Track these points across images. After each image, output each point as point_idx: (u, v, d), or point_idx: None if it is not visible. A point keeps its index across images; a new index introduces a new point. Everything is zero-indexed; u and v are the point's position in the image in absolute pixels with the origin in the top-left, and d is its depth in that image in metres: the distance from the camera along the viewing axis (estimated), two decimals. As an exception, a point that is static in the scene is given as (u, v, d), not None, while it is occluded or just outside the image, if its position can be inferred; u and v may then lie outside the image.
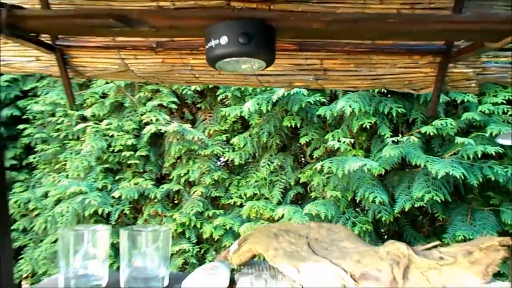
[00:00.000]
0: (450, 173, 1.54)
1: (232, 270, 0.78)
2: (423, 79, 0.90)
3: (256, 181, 2.01)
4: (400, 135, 1.75)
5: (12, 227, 2.32)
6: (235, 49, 0.50)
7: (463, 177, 1.56)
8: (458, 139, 1.60)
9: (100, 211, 1.92)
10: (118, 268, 0.80)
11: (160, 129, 1.98)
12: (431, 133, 1.67)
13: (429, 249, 0.66)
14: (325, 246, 0.69)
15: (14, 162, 2.39)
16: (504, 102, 1.67)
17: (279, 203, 1.96)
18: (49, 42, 0.83)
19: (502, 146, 1.65)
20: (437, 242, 0.66)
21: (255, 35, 0.50)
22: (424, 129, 1.69)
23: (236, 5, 0.58)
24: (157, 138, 2.09)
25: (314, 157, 1.93)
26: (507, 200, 1.73)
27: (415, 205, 1.65)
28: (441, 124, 1.66)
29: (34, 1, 0.69)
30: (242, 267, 0.77)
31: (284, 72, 0.89)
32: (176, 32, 0.65)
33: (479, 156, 1.59)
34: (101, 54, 0.88)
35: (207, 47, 0.52)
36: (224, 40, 0.50)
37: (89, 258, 0.77)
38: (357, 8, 0.75)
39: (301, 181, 1.96)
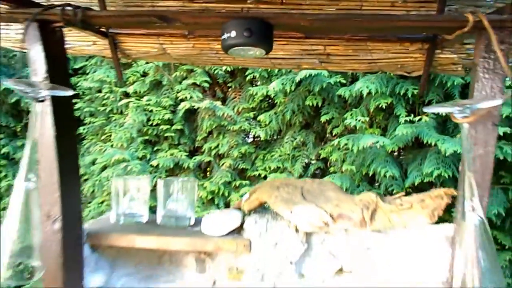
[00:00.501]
0: (458, 151, 1.67)
1: (244, 216, 0.98)
2: (413, 63, 1.06)
3: (280, 156, 2.21)
4: (417, 115, 1.89)
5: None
6: (241, 41, 0.69)
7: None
8: (468, 120, 1.72)
9: (140, 178, 2.18)
10: (155, 211, 1.03)
11: (194, 106, 2.20)
12: (445, 114, 1.80)
13: (395, 198, 0.83)
14: (314, 195, 0.88)
15: (65, 133, 2.69)
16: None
17: (300, 177, 2.15)
18: (104, 30, 1.05)
19: (511, 126, 1.77)
20: (402, 193, 0.84)
21: (256, 30, 0.69)
22: (437, 110, 1.82)
23: (244, 6, 0.77)
24: (191, 114, 2.32)
25: (334, 134, 2.10)
26: (517, 179, 1.84)
27: (424, 180, 1.80)
28: (454, 105, 1.79)
29: (94, 2, 0.91)
30: (251, 213, 0.97)
31: (293, 56, 1.07)
32: (200, 26, 0.85)
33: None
34: (144, 40, 1.09)
35: (221, 38, 0.72)
36: (233, 33, 0.69)
37: (133, 200, 1.00)
38: (356, 2, 0.92)
39: (321, 157, 2.14)
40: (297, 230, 0.89)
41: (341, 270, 0.93)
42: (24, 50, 1.05)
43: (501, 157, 1.72)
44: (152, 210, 1.03)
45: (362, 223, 0.80)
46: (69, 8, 0.74)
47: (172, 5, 0.86)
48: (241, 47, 0.70)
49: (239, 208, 1.00)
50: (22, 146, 2.64)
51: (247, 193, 0.99)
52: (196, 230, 0.94)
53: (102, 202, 2.39)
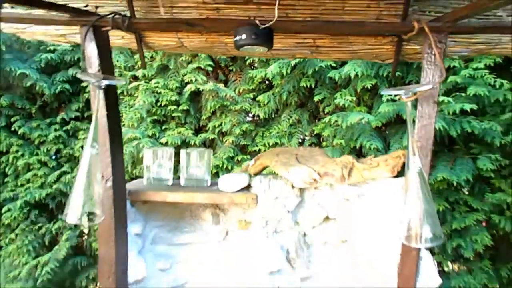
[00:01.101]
0: (432, 126, 1.93)
1: (250, 178, 1.24)
2: (386, 53, 1.30)
3: (277, 132, 2.46)
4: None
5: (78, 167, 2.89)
6: (250, 42, 0.93)
7: (442, 129, 1.95)
8: (442, 98, 1.99)
9: (151, 154, 2.44)
10: (178, 177, 1.28)
11: (199, 88, 2.44)
12: (421, 93, 2.05)
13: (366, 159, 1.09)
14: (306, 159, 1.14)
15: (78, 114, 2.93)
16: (483, 67, 2.03)
17: (296, 151, 2.41)
18: (132, 27, 1.29)
19: (477, 103, 2.03)
20: (372, 156, 1.10)
21: (260, 34, 0.93)
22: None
23: (251, 15, 1.02)
24: (196, 95, 2.56)
25: (326, 112, 2.35)
26: (486, 150, 2.11)
27: (404, 152, 2.06)
28: (430, 86, 2.04)
29: (124, 8, 1.14)
30: (256, 176, 1.23)
31: (288, 47, 1.32)
32: (217, 29, 1.10)
33: (459, 112, 1.98)
34: (164, 35, 1.32)
35: (234, 40, 0.96)
36: (244, 36, 0.93)
37: (160, 166, 1.26)
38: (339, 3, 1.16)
39: (315, 133, 2.40)
40: (293, 187, 1.16)
41: (327, 217, 1.20)
42: (57, 43, 1.29)
43: (469, 130, 1.99)
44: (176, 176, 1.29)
45: (342, 179, 1.07)
46: (117, 16, 0.98)
47: (188, 5, 1.09)
48: (250, 46, 0.95)
49: (247, 172, 1.26)
50: (37, 127, 2.88)
51: (252, 160, 1.25)
52: (214, 188, 1.21)
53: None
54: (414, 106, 1.00)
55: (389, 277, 1.05)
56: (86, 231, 3.08)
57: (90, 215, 0.94)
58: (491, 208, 2.14)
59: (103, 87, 0.91)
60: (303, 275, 1.22)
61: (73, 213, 0.90)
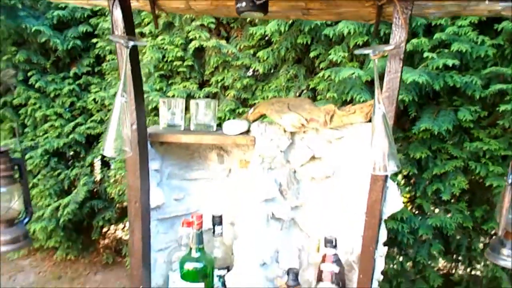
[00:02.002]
0: (416, 80, 2.14)
1: (249, 124, 1.48)
2: (369, 15, 1.50)
3: (276, 86, 2.67)
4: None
5: (91, 119, 3.14)
6: (249, 8, 1.13)
7: (426, 83, 2.16)
8: (427, 54, 2.19)
9: (158, 107, 2.66)
10: (189, 123, 1.52)
11: (202, 44, 2.63)
12: (408, 49, 2.24)
13: (346, 107, 1.33)
14: (296, 107, 1.37)
15: (89, 69, 3.14)
16: (468, 24, 2.21)
17: (293, 103, 2.63)
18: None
19: (461, 59, 2.23)
20: (350, 105, 1.33)
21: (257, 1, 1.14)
22: (403, 46, 2.26)
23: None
24: (200, 51, 2.75)
25: (321, 68, 2.55)
26: (467, 103, 2.33)
27: (391, 104, 2.28)
28: (417, 42, 2.23)
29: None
30: (254, 122, 1.46)
31: (283, 10, 1.52)
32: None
33: (442, 67, 2.18)
34: (174, -1, 1.52)
35: (236, 6, 1.16)
36: (244, 4, 1.14)
37: (173, 114, 1.49)
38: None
39: (310, 87, 2.61)
40: (285, 131, 1.40)
41: (313, 157, 1.45)
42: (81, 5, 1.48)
43: (451, 84, 2.20)
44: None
45: (325, 123, 1.31)
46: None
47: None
48: (249, 12, 1.16)
49: (246, 119, 1.50)
50: (52, 81, 3.11)
51: (252, 108, 1.48)
52: (219, 132, 1.45)
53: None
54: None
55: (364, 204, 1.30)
56: (99, 177, 3.38)
57: (121, 151, 1.19)
58: (469, 156, 2.39)
59: (129, 47, 1.13)
60: (293, 204, 1.49)
61: (108, 148, 1.14)
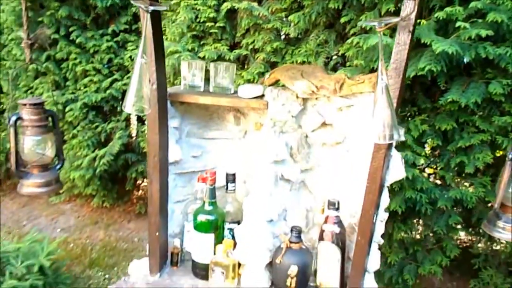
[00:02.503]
0: (446, 50, 2.11)
1: (264, 88, 1.55)
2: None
3: (305, 51, 2.69)
4: (422, 19, 2.30)
5: (127, 75, 3.30)
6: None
7: (455, 54, 2.12)
8: (459, 24, 2.14)
9: (190, 66, 2.77)
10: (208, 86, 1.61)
11: (234, 6, 2.67)
12: (441, 18, 2.20)
13: (356, 77, 1.37)
14: (308, 74, 1.43)
15: (126, 26, 3.26)
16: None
17: (322, 69, 2.66)
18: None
19: (497, 30, 2.16)
20: (360, 74, 1.37)
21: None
22: (436, 15, 2.22)
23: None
24: (232, 13, 2.79)
25: (352, 34, 2.55)
26: (501, 75, 2.28)
27: (418, 74, 2.26)
28: (451, 11, 2.18)
29: None
30: (270, 86, 1.53)
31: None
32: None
33: (475, 37, 2.13)
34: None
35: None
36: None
37: (194, 75, 1.59)
38: None
39: (340, 53, 2.62)
40: (297, 97, 1.46)
41: (324, 123, 1.51)
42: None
43: (484, 56, 2.15)
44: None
45: (334, 91, 1.36)
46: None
47: None
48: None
49: (262, 83, 1.57)
50: (92, 37, 3.26)
51: (267, 73, 1.55)
52: (235, 95, 1.53)
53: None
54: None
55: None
56: (134, 132, 3.57)
57: (141, 108, 1.30)
58: (497, 130, 2.36)
59: (150, 11, 1.22)
60: (303, 167, 1.57)
61: (129, 105, 1.25)
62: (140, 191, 4.26)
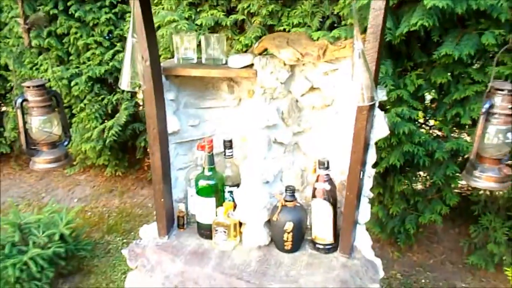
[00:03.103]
0: (436, 4, 2.14)
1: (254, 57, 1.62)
2: None
3: (301, 12, 2.72)
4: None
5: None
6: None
7: (446, 7, 2.14)
8: (449, -22, 2.15)
9: (188, 34, 2.83)
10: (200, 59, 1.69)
11: (228, -29, 2.69)
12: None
13: (338, 42, 1.44)
14: (294, 42, 1.50)
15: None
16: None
17: (318, 30, 2.69)
18: None
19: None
20: (342, 40, 1.43)
21: None
22: (427, -32, 2.23)
23: None
24: (226, -22, 2.82)
25: (345, -9, 2.57)
26: (494, 26, 2.30)
27: (411, 29, 2.30)
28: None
29: None
30: (259, 55, 1.61)
31: None
32: None
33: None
34: None
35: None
36: None
37: (186, 48, 1.67)
38: None
39: (335, 12, 2.65)
40: (284, 64, 1.54)
41: (313, 87, 1.59)
42: None
43: (475, 7, 2.17)
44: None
45: (318, 57, 1.44)
46: None
47: None
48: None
49: (252, 52, 1.64)
50: (90, 10, 3.32)
51: (256, 42, 1.62)
52: (226, 66, 1.61)
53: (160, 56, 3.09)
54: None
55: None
56: (140, 102, 3.68)
57: (136, 84, 1.39)
58: (491, 78, 2.40)
59: (136, -5, 1.29)
60: (295, 131, 1.67)
61: (124, 82, 1.34)
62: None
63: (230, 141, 1.69)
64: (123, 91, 3.52)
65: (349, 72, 1.46)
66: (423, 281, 2.91)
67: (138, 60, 1.35)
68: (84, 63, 3.41)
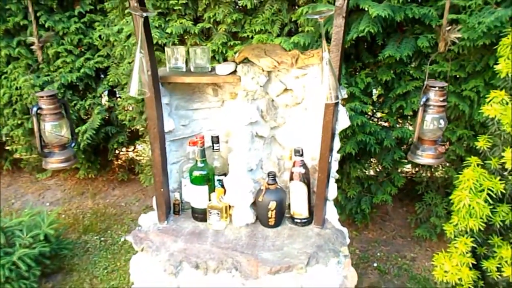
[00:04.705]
0: (380, 14, 2.54)
1: (236, 65, 1.94)
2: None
3: (262, 20, 3.05)
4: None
5: (98, 54, 3.57)
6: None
7: (388, 16, 2.56)
8: (390, -10, 2.57)
9: (160, 42, 3.07)
10: (188, 68, 1.98)
11: (194, -17, 2.97)
12: (375, -14, 2.62)
13: (308, 52, 1.78)
14: (271, 52, 1.83)
15: (91, 7, 3.49)
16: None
17: (278, 36, 3.04)
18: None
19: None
20: (310, 50, 1.78)
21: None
22: (370, -17, 2.63)
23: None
24: (193, -10, 3.10)
25: (301, 2, 2.93)
26: (427, 31, 2.74)
27: (360, 35, 2.69)
28: (382, -21, 2.60)
29: None
30: (240, 63, 1.92)
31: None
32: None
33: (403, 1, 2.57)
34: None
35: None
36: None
37: (176, 59, 1.95)
38: None
39: (292, 20, 3.01)
40: (263, 70, 1.87)
41: (286, 89, 1.94)
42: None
43: (411, 16, 2.60)
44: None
45: (292, 64, 1.78)
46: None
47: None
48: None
49: (234, 61, 1.96)
50: (60, 20, 3.47)
51: (237, 52, 1.94)
52: (213, 73, 1.92)
53: (130, 63, 3.32)
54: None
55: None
56: (108, 106, 3.88)
57: (142, 92, 1.66)
58: (426, 76, 2.86)
59: (143, 17, 1.57)
60: (272, 125, 2.01)
61: (133, 90, 1.61)
62: (120, 160, 4.61)
63: (217, 137, 2.00)
64: (94, 96, 3.70)
65: (317, 76, 1.83)
66: (378, 254, 3.34)
67: (144, 71, 1.63)
68: (55, 70, 3.56)
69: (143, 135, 3.77)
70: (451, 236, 2.04)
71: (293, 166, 1.91)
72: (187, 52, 1.98)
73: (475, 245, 2.01)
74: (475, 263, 2.02)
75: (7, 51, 3.47)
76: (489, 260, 1.98)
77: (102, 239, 3.66)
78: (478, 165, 2.00)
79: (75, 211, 4.02)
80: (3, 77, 3.65)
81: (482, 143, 2.00)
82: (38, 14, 3.41)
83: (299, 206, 1.95)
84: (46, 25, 3.42)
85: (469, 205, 1.92)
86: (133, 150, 4.69)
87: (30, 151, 4.00)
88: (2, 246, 2.95)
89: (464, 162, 2.11)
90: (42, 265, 3.03)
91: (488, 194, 1.92)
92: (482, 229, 1.95)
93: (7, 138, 4.01)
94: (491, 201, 1.94)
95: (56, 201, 4.21)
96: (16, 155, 4.26)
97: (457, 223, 1.98)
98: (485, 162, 2.03)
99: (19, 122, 3.79)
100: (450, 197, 2.08)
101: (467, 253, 1.96)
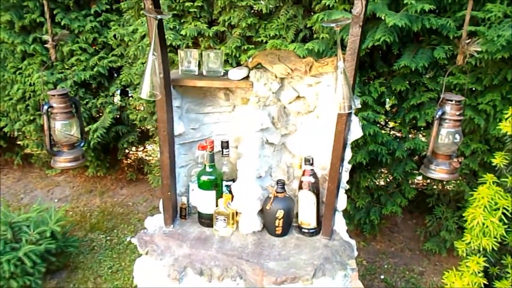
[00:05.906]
0: (397, 23, 2.50)
1: (249, 70, 1.91)
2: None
3: (277, 25, 3.03)
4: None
5: (112, 53, 3.57)
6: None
7: (405, 26, 2.51)
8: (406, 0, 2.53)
9: (174, 44, 3.07)
10: (202, 69, 1.96)
11: (211, -14, 2.96)
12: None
13: (323, 59, 1.75)
14: (285, 59, 1.80)
15: (107, 6, 3.50)
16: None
17: (292, 42, 3.01)
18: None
19: (439, 3, 2.57)
20: (325, 58, 1.75)
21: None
22: (388, -8, 2.60)
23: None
24: (209, -8, 3.09)
25: (317, 9, 2.90)
26: (444, 42, 2.70)
27: (375, 44, 2.66)
28: (400, -12, 2.56)
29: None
30: (253, 68, 1.90)
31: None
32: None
33: (420, 11, 2.53)
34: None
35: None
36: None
37: (189, 62, 1.93)
38: None
39: (307, 26, 2.98)
40: (276, 76, 1.84)
41: (298, 96, 1.90)
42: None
43: (428, 26, 2.55)
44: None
45: (305, 72, 1.75)
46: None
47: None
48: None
49: (247, 66, 1.93)
50: (76, 18, 3.49)
51: (251, 58, 1.91)
52: (225, 77, 1.90)
53: (143, 63, 3.31)
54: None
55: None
56: (120, 105, 3.88)
57: (153, 94, 1.64)
58: (442, 88, 2.81)
59: (157, 19, 1.55)
60: (283, 133, 1.98)
61: (144, 92, 1.59)
62: (130, 159, 4.61)
63: (227, 142, 1.97)
64: (106, 95, 3.70)
65: (330, 84, 1.80)
66: (385, 266, 3.29)
67: (156, 74, 1.61)
68: (69, 68, 3.58)
69: (153, 136, 3.76)
70: (463, 254, 1.99)
71: (303, 175, 1.88)
72: (200, 55, 1.96)
73: (487, 265, 1.96)
74: (487, 283, 1.97)
75: (22, 47, 3.49)
76: (502, 280, 1.93)
77: (108, 238, 3.66)
78: (493, 182, 1.95)
79: (83, 209, 4.02)
80: (17, 72, 3.67)
81: (498, 159, 1.95)
82: (54, 12, 3.43)
83: (307, 215, 1.92)
84: (62, 23, 3.43)
85: (483, 224, 1.86)
86: (142, 150, 4.69)
87: (41, 146, 4.01)
88: (9, 241, 2.95)
89: (479, 179, 2.06)
90: (47, 262, 3.03)
91: (503, 213, 1.87)
92: (495, 248, 1.89)
93: (19, 133, 4.03)
94: (506, 220, 1.89)
95: (65, 197, 4.22)
96: (27, 150, 4.28)
97: (469, 241, 1.93)
98: (500, 179, 1.98)
99: (31, 118, 3.81)
100: (464, 214, 2.03)
101: (479, 272, 1.91)
